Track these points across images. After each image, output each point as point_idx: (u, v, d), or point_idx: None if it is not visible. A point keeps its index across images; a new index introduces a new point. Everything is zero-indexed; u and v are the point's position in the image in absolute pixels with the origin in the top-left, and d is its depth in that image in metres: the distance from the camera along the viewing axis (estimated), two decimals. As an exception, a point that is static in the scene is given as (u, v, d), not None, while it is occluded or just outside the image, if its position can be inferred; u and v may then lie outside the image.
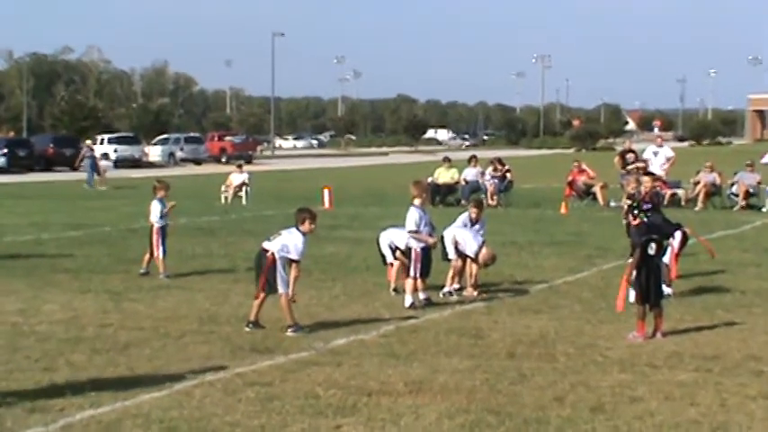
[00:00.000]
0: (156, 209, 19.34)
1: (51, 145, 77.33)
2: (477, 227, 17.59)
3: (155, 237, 19.06)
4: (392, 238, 16.76)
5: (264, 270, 13.88)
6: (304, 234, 14.09)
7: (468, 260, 17.11)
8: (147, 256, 19.20)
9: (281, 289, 13.75)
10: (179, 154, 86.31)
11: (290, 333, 13.62)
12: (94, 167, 52.16)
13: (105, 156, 65.31)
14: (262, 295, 14.00)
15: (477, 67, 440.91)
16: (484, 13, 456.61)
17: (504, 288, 17.91)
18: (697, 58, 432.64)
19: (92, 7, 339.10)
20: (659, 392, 10.95)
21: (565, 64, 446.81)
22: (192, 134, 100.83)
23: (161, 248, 19.02)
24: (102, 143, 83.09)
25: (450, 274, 17.07)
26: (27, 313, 15.14)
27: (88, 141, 59.37)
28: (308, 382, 11.13)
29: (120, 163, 78.53)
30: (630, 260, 14.01)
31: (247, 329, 13.83)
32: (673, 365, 12.23)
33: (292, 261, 13.90)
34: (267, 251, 13.96)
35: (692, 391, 11.00)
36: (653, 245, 13.81)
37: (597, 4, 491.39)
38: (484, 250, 17.02)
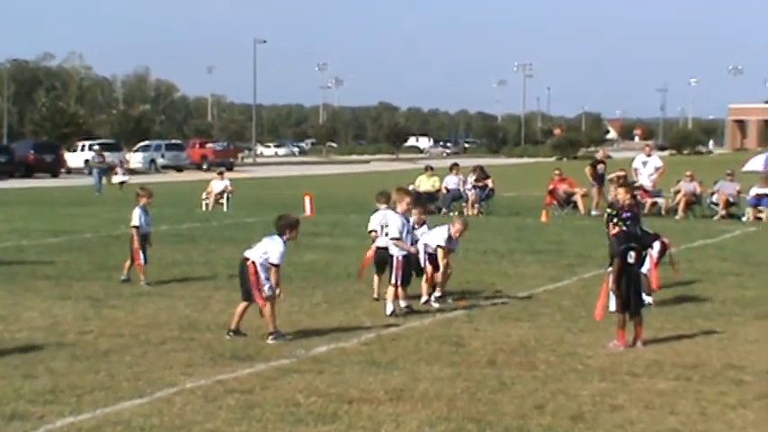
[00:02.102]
0: (137, 216, 19.23)
1: (32, 151, 77.26)
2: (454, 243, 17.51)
3: (135, 243, 18.96)
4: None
5: (248, 279, 13.81)
6: (285, 241, 14.05)
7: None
8: (128, 262, 19.14)
9: (267, 292, 13.70)
10: (160, 161, 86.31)
11: (270, 340, 13.58)
12: (103, 174, 51.58)
13: (121, 163, 64.47)
14: (244, 304, 13.95)
15: (458, 75, 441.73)
16: (466, 20, 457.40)
17: (485, 296, 17.93)
18: (678, 67, 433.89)
19: (73, 13, 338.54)
20: (639, 401, 10.98)
21: (546, 72, 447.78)
22: (173, 141, 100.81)
23: (142, 255, 18.92)
24: (83, 150, 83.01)
25: (425, 281, 17.01)
26: (7, 320, 15.08)
27: (96, 147, 58.60)
28: (288, 390, 11.12)
29: (86, 170, 78.49)
30: (610, 269, 14.01)
31: (228, 337, 13.80)
32: (653, 374, 12.26)
33: (272, 265, 13.83)
34: (248, 260, 13.92)
35: (672, 400, 11.03)
36: (632, 253, 13.83)
37: (579, 13, 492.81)
38: (453, 228, 17.21)
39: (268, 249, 13.93)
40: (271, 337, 13.67)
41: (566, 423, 10.08)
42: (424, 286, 16.94)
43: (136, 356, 12.66)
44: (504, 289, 18.76)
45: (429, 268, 16.89)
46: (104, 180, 51.98)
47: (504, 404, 10.72)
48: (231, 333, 13.94)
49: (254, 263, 13.85)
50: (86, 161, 79.78)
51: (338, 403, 10.59)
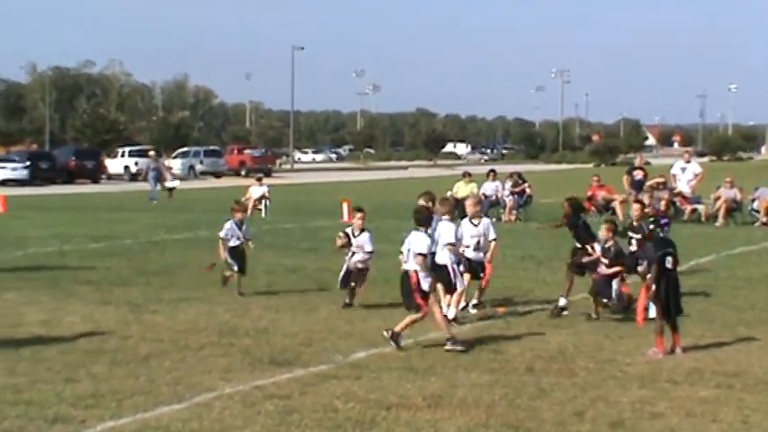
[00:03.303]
0: (226, 228, 18.95)
1: (73, 157, 77.81)
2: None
3: (221, 254, 18.70)
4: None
5: (409, 288, 13.75)
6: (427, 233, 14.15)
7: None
8: (228, 273, 18.69)
9: (458, 285, 15.37)
10: (199, 167, 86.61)
11: (448, 347, 13.53)
12: (159, 179, 51.29)
13: (191, 168, 63.99)
14: (418, 315, 13.73)
15: (496, 81, 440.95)
16: (504, 27, 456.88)
17: (523, 303, 17.87)
18: (717, 72, 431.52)
19: (113, 21, 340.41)
20: (680, 409, 10.89)
21: (584, 78, 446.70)
22: (211, 147, 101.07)
23: (236, 265, 18.51)
24: (123, 156, 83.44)
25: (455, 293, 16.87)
26: (49, 324, 15.20)
27: (152, 153, 57.92)
28: (327, 396, 11.12)
29: (140, 175, 78.78)
30: (648, 275, 13.94)
31: (391, 342, 13.64)
32: (694, 382, 12.17)
33: (418, 255, 13.72)
34: (408, 272, 13.81)
35: (714, 408, 10.94)
36: (670, 258, 13.75)
37: (617, 18, 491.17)
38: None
39: (413, 244, 13.87)
40: (449, 342, 13.63)
41: (605, 430, 10.03)
42: (453, 299, 16.73)
43: (175, 361, 12.71)
44: (542, 296, 18.69)
45: (467, 276, 16.79)
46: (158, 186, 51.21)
47: (544, 411, 10.68)
48: (392, 338, 13.69)
49: (415, 272, 13.75)
50: (126, 167, 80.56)
51: (376, 409, 10.58)
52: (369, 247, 17.19)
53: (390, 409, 10.58)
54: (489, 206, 38.13)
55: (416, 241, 13.83)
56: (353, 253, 17.06)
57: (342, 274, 17.11)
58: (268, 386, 11.49)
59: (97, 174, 77.33)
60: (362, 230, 17.24)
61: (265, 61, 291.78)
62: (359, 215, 17.36)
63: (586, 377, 12.28)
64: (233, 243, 18.70)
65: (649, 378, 12.29)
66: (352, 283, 17.08)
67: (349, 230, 17.29)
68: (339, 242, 17.20)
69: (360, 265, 17.13)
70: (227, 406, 10.65)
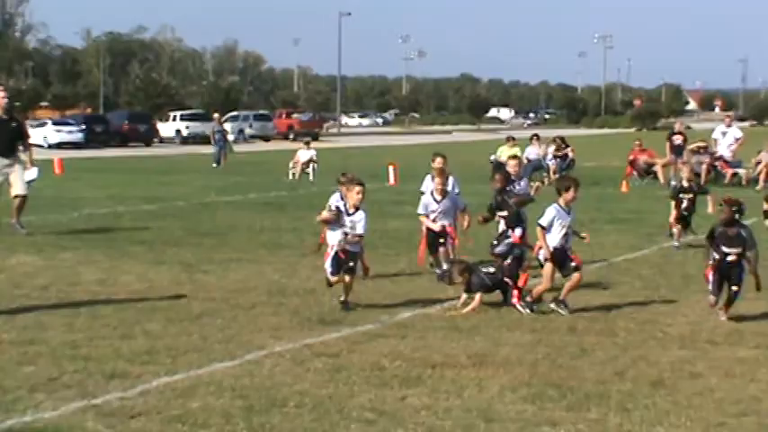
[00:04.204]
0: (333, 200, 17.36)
1: (126, 121, 78.22)
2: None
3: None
4: None
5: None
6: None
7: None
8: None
9: None
10: (248, 131, 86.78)
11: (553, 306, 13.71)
12: (224, 144, 50.67)
13: (241, 132, 63.29)
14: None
15: (539, 46, 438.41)
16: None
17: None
18: (759, 37, 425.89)
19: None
20: (719, 369, 10.87)
21: (626, 44, 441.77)
22: (260, 112, 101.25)
23: None
24: (174, 120, 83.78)
25: None
26: (106, 283, 15.36)
27: (216, 115, 56.87)
28: (373, 354, 11.18)
29: (191, 139, 79.08)
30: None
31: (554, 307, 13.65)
32: (733, 342, 12.13)
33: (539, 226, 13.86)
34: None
35: (753, 368, 10.90)
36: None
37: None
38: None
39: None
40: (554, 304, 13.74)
41: (646, 389, 10.02)
42: None
43: (227, 320, 12.81)
44: (584, 257, 18.64)
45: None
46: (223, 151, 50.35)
47: (585, 370, 10.68)
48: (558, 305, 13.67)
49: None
50: (177, 131, 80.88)
51: (422, 367, 10.63)
52: (360, 230, 13.82)
53: (435, 368, 10.62)
54: (532, 170, 37.98)
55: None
56: (345, 234, 13.66)
57: (330, 259, 13.83)
58: (317, 344, 11.57)
59: (150, 137, 77.74)
60: (358, 209, 13.77)
61: (313, 27, 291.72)
62: (357, 189, 13.82)
63: (627, 337, 12.27)
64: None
65: (689, 339, 12.27)
66: (346, 277, 13.67)
67: (341, 204, 14.05)
68: (324, 215, 13.93)
69: (349, 248, 13.78)
70: (278, 363, 10.73)
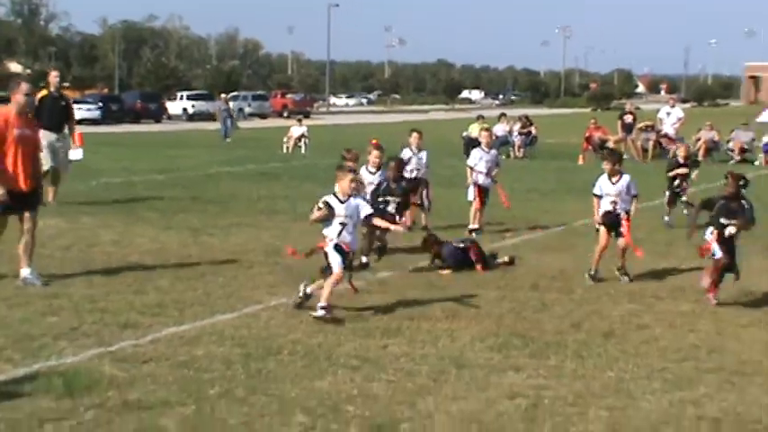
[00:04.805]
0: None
1: (139, 100, 77.69)
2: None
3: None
4: None
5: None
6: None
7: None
8: None
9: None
10: (247, 109, 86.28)
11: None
12: (230, 121, 49.94)
13: (241, 111, 62.47)
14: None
15: (507, 36, 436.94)
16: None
17: (528, 229, 17.87)
18: (699, 29, 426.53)
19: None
20: (663, 321, 10.93)
21: (584, 34, 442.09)
22: (258, 92, 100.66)
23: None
24: (181, 99, 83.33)
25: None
26: (121, 244, 15.30)
27: (223, 96, 56.21)
28: (358, 307, 11.18)
29: (196, 116, 78.67)
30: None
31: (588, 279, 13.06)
32: (675, 297, 12.20)
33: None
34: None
35: (692, 320, 10.97)
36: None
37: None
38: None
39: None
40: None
41: (598, 339, 10.07)
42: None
43: (228, 277, 12.78)
44: (545, 223, 18.69)
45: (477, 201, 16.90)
46: (230, 126, 49.91)
47: (545, 322, 10.72)
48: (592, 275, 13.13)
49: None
50: (184, 109, 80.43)
51: (401, 320, 10.65)
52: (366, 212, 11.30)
53: (413, 320, 10.64)
54: (500, 145, 37.91)
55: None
56: (342, 225, 11.05)
57: (333, 252, 11.00)
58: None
59: (159, 114, 77.24)
60: (350, 197, 11.16)
61: (306, 16, 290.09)
62: (350, 177, 11.16)
63: (583, 294, 12.32)
64: None
65: (637, 294, 12.32)
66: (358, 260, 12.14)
67: (329, 198, 11.14)
68: (316, 215, 11.18)
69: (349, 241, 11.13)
70: (273, 316, 10.73)
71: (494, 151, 17.80)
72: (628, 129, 38.12)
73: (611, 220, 13.29)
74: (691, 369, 9.02)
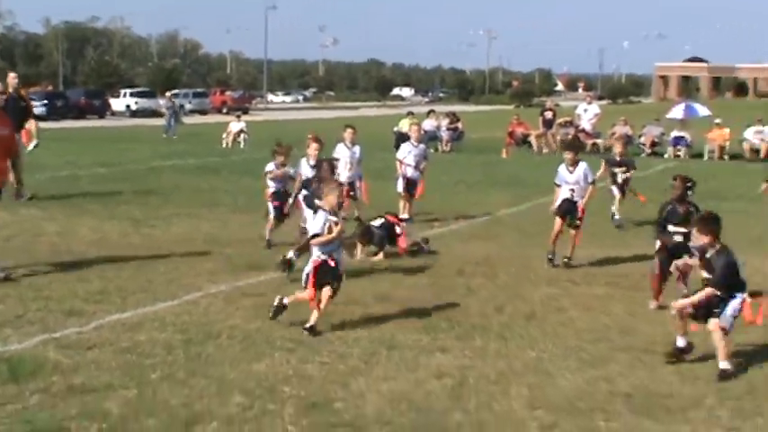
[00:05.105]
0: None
1: (83, 97, 76.50)
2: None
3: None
4: None
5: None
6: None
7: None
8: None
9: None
10: (188, 106, 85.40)
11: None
12: (175, 117, 49.24)
13: (182, 107, 61.50)
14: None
15: (436, 37, 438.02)
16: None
17: (455, 219, 17.94)
18: (613, 31, 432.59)
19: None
20: (579, 304, 11.06)
21: (507, 36, 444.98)
22: (198, 90, 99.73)
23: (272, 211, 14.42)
24: (124, 96, 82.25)
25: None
26: (65, 235, 15.06)
27: (168, 93, 55.48)
28: (293, 293, 11.13)
29: (139, 113, 77.67)
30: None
31: None
32: (590, 282, 12.35)
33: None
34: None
35: (606, 303, 11.12)
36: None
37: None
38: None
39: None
40: None
41: (520, 321, 10.16)
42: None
43: (169, 266, 12.65)
44: (471, 213, 18.78)
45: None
46: (174, 123, 49.12)
47: (471, 306, 10.79)
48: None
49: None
50: (127, 105, 79.32)
51: (334, 305, 10.60)
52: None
53: (347, 305, 10.62)
54: (428, 139, 38.03)
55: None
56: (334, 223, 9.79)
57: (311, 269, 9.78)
58: (246, 286, 11.51)
59: (103, 111, 76.08)
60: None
61: (244, 18, 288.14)
62: (335, 193, 10.07)
63: (506, 279, 12.41)
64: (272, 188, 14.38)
65: (555, 279, 12.45)
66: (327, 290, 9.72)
67: (335, 218, 9.83)
68: (337, 233, 9.75)
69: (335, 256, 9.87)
70: (212, 303, 10.66)
71: (422, 145, 17.85)
72: (548, 124, 38.51)
73: (568, 207, 13.36)
74: (604, 349, 9.14)
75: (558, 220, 13.44)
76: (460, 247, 14.67)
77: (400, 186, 17.09)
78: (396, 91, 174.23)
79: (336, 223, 9.74)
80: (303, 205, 13.38)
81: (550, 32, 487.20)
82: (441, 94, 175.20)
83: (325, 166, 13.80)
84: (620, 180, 18.17)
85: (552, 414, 7.27)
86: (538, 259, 13.63)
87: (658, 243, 10.89)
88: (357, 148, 16.99)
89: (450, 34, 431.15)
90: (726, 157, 36.08)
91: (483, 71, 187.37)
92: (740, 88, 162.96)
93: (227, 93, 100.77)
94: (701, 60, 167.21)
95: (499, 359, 8.73)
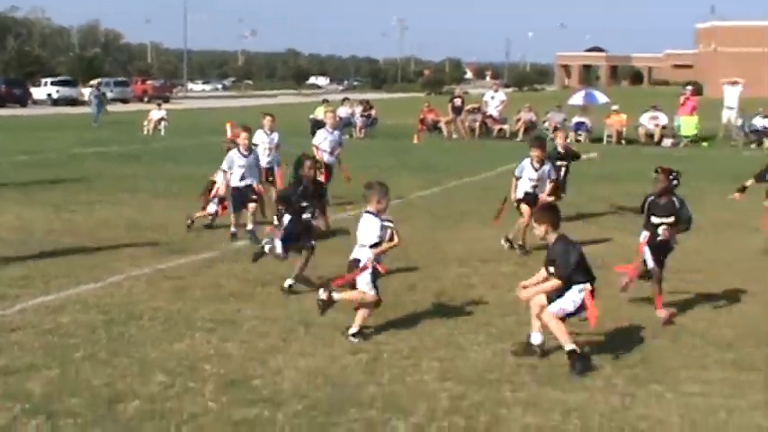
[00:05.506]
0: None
1: (3, 86, 74.49)
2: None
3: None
4: None
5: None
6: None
7: None
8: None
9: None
10: (110, 94, 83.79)
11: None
12: (101, 106, 48.28)
13: (103, 95, 60.14)
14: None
15: (350, 27, 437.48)
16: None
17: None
18: (520, 22, 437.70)
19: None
20: (488, 282, 11.19)
21: (419, 25, 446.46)
22: (120, 79, 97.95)
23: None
24: (45, 85, 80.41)
25: None
26: (-14, 222, 14.70)
27: (93, 82, 54.16)
28: (214, 276, 11.08)
29: (60, 101, 75.98)
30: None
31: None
32: (498, 260, 12.48)
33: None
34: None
35: (512, 281, 11.13)
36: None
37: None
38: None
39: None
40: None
41: (432, 299, 10.24)
42: None
43: (91, 250, 12.44)
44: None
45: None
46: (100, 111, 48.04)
47: (384, 285, 10.71)
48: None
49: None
50: (48, 94, 77.51)
51: (253, 286, 10.60)
52: None
53: (265, 286, 10.60)
54: (344, 126, 38.04)
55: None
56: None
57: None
58: (167, 269, 11.39)
59: (24, 99, 74.26)
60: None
61: (164, 8, 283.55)
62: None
63: (418, 259, 12.47)
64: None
65: (465, 259, 12.55)
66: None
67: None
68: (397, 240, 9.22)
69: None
70: (134, 285, 10.52)
71: (337, 132, 17.83)
72: (457, 111, 38.80)
73: (531, 199, 13.20)
74: (512, 323, 9.26)
75: (526, 208, 13.07)
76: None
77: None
78: (312, 80, 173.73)
79: (396, 230, 9.15)
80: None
81: (460, 23, 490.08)
82: (355, 83, 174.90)
83: (308, 162, 11.55)
84: (562, 175, 15.67)
85: (462, 385, 7.35)
86: (448, 241, 13.74)
87: (644, 234, 9.86)
88: (275, 135, 16.90)
89: (364, 25, 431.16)
90: (623, 141, 36.77)
91: (396, 60, 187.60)
92: (636, 77, 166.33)
93: (149, 82, 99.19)
94: (600, 50, 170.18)
95: (412, 335, 8.78)
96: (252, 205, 13.67)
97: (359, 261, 8.91)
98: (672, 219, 9.72)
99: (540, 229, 8.25)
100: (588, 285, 8.07)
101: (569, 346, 7.91)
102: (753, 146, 35.61)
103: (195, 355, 7.92)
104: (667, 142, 36.65)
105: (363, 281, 8.83)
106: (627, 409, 6.97)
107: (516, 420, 6.68)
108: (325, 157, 17.11)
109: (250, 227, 13.48)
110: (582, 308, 8.06)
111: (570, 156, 15.95)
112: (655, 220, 9.82)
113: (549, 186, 13.55)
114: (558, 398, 7.14)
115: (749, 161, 28.72)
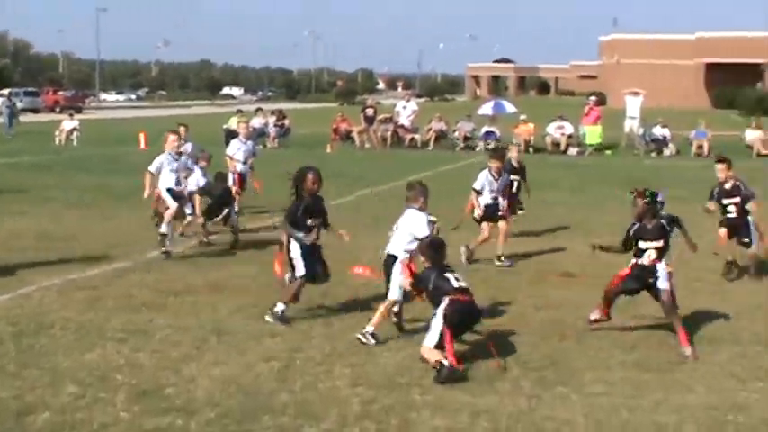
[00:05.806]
0: (196, 176, 14.54)
1: None
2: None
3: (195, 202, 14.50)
4: None
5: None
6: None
7: None
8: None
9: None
10: (20, 105, 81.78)
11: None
12: (12, 117, 46.51)
13: (14, 105, 58.37)
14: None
15: (262, 38, 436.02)
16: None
17: (282, 211, 17.83)
18: (431, 34, 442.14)
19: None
20: (399, 287, 11.18)
21: (332, 37, 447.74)
22: (30, 89, 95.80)
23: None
24: (-46, 96, 78.18)
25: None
26: None
27: (4, 92, 52.83)
28: (126, 286, 10.90)
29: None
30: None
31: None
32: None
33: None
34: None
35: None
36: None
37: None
38: None
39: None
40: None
41: (344, 305, 10.22)
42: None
43: (1, 262, 12.11)
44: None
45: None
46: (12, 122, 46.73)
47: (305, 291, 10.74)
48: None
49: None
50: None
51: (166, 295, 10.46)
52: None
53: (177, 295, 10.48)
54: (257, 136, 37.82)
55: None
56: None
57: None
58: (79, 279, 11.18)
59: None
60: None
61: (76, 19, 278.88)
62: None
63: (331, 266, 12.35)
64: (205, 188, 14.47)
65: (377, 265, 12.53)
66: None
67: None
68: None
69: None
70: (45, 295, 10.30)
71: (251, 142, 17.76)
72: (369, 120, 38.92)
73: (492, 211, 13.10)
74: (421, 328, 9.28)
75: (486, 228, 12.98)
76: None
77: (230, 181, 16.91)
78: (226, 90, 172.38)
79: (438, 227, 9.28)
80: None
81: (373, 35, 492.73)
82: (269, 94, 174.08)
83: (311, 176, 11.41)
84: (514, 189, 15.18)
85: (372, 390, 7.36)
86: (360, 248, 13.71)
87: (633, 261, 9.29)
88: (188, 145, 16.75)
89: (276, 35, 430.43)
90: (531, 150, 37.34)
91: (309, 71, 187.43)
92: (543, 87, 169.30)
93: (60, 92, 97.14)
94: (508, 61, 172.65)
95: (325, 342, 8.77)
96: (170, 211, 13.18)
97: (396, 257, 9.13)
98: (661, 242, 9.12)
99: (425, 264, 8.50)
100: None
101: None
102: (653, 154, 36.51)
103: (107, 365, 7.78)
104: (573, 151, 37.36)
105: (399, 280, 8.94)
106: (533, 410, 7.06)
107: (425, 423, 6.72)
108: (240, 167, 17.03)
109: (164, 229, 13.02)
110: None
111: (524, 170, 15.57)
112: (642, 245, 9.16)
113: (504, 203, 13.36)
114: (466, 401, 7.21)
115: (650, 169, 29.50)
